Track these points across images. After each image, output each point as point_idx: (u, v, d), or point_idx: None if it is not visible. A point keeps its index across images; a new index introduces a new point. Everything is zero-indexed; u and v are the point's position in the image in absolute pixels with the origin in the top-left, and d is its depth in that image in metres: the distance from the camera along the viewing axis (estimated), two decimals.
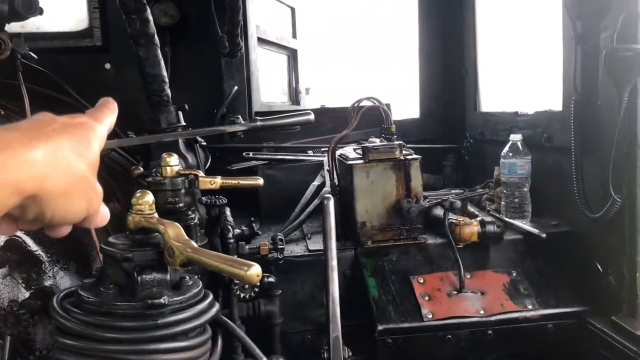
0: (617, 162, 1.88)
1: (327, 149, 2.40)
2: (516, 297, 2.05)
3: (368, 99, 2.45)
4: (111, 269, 1.12)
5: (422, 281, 2.09)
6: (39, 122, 0.66)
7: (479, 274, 2.12)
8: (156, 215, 1.14)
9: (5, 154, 0.58)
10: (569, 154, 2.10)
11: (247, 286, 1.80)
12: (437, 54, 3.42)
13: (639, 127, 1.84)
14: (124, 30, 2.07)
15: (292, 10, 4.54)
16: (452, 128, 3.38)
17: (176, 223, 1.08)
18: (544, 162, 2.39)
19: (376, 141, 2.41)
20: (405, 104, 3.92)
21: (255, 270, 0.91)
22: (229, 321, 1.44)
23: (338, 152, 2.46)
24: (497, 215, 2.36)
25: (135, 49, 2.07)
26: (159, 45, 2.11)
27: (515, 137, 2.35)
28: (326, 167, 2.60)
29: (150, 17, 2.07)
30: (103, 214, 0.75)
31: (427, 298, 2.04)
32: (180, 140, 2.06)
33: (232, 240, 1.85)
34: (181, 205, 1.62)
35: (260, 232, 2.28)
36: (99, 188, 0.71)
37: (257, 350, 1.43)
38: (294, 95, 4.60)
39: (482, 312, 2.00)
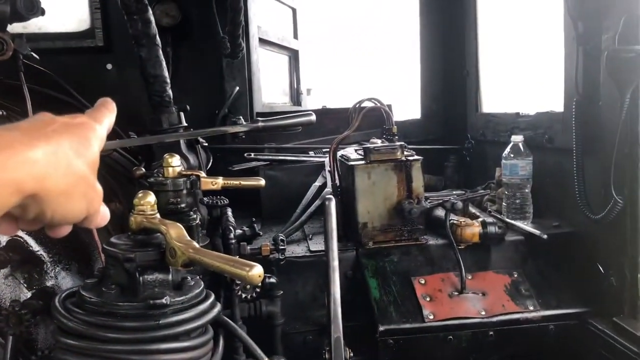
0: (619, 163, 1.88)
1: (328, 149, 2.40)
2: (517, 298, 2.05)
3: (369, 99, 2.44)
4: (113, 269, 1.12)
5: (423, 282, 2.09)
6: (39, 122, 0.67)
7: (480, 275, 2.12)
8: (158, 215, 1.14)
9: (6, 154, 0.58)
10: (570, 155, 2.09)
11: (248, 287, 1.80)
12: (438, 55, 3.42)
13: None
14: (125, 30, 2.07)
15: (294, 10, 4.54)
16: (454, 129, 3.38)
17: (178, 224, 1.09)
18: (545, 163, 2.39)
19: (377, 142, 2.41)
20: (407, 105, 3.91)
21: (257, 271, 0.91)
22: (230, 321, 1.45)
23: (339, 153, 2.46)
24: (499, 216, 2.36)
25: (136, 50, 2.07)
26: (160, 45, 2.11)
27: (517, 138, 2.35)
28: (327, 168, 2.61)
29: (152, 18, 2.07)
30: (103, 214, 0.75)
31: (428, 299, 2.04)
32: (182, 141, 2.06)
33: (233, 241, 1.85)
34: (183, 205, 1.63)
35: (261, 233, 2.28)
36: (99, 188, 0.71)
37: (259, 351, 1.43)
38: (295, 96, 4.60)
39: (483, 313, 2.00)
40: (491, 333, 1.99)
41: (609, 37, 1.89)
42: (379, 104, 2.44)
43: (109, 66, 3.13)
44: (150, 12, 2.07)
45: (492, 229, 2.15)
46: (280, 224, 2.53)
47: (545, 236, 2.14)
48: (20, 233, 1.57)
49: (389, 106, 2.57)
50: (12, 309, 1.40)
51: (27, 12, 1.77)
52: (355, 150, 2.48)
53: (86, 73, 2.99)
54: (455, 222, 2.18)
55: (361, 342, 1.86)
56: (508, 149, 2.36)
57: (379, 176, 2.20)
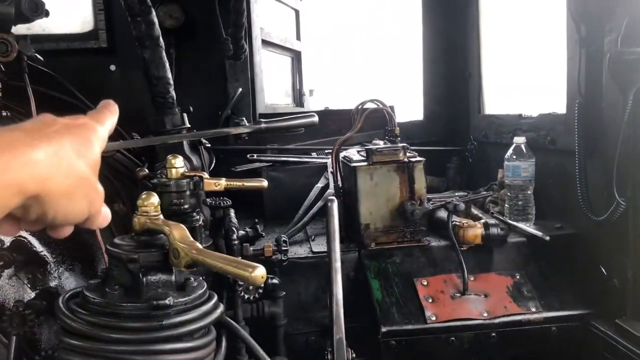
0: (621, 164, 1.88)
1: (330, 151, 2.40)
2: (520, 300, 2.05)
3: (372, 101, 2.45)
4: (117, 270, 1.12)
5: (425, 283, 2.09)
6: (40, 123, 0.67)
7: (483, 277, 2.12)
8: (161, 216, 1.15)
9: (8, 155, 0.58)
10: (572, 157, 2.10)
11: (251, 287, 1.81)
12: (441, 57, 3.42)
13: None
14: (129, 32, 2.08)
15: (296, 12, 4.54)
16: (456, 130, 3.38)
17: (181, 225, 1.09)
18: (547, 164, 2.39)
19: (380, 143, 2.42)
20: (409, 106, 3.91)
21: (259, 272, 0.92)
22: (233, 322, 1.45)
23: (342, 154, 2.47)
24: (501, 218, 2.36)
25: (140, 51, 2.08)
26: (163, 47, 2.11)
27: (519, 140, 2.35)
28: (330, 169, 2.61)
29: (155, 20, 2.08)
30: (105, 215, 0.75)
31: (430, 300, 2.04)
32: (185, 142, 2.06)
33: (236, 242, 1.85)
34: (186, 206, 1.63)
35: (264, 234, 2.29)
36: (100, 189, 0.71)
37: (261, 352, 1.43)
38: (298, 97, 4.61)
39: (485, 314, 2.00)
40: (493, 334, 1.99)
41: (612, 39, 1.89)
42: (381, 105, 2.44)
43: (113, 67, 3.14)
44: (154, 13, 2.07)
45: (494, 230, 2.15)
46: (282, 225, 2.54)
47: (547, 238, 2.14)
48: (24, 234, 1.58)
49: (392, 107, 2.57)
50: (16, 309, 1.41)
51: (31, 14, 1.77)
52: (358, 152, 2.49)
53: (90, 74, 3.00)
54: (457, 223, 2.18)
55: (363, 343, 1.86)
56: (510, 151, 2.36)
57: (382, 177, 2.20)
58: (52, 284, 1.62)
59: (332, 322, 1.57)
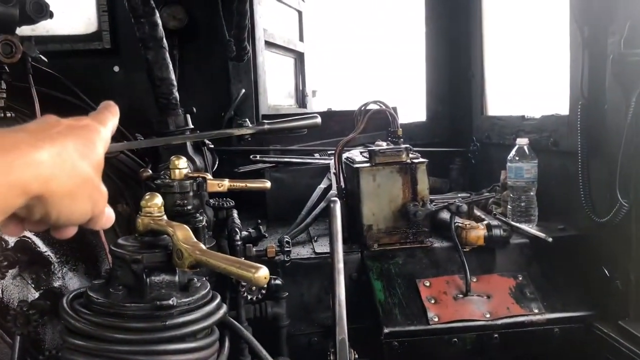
0: (624, 166, 1.88)
1: (333, 152, 2.40)
2: (522, 301, 2.05)
3: (375, 102, 2.45)
4: (120, 270, 1.13)
5: (428, 284, 2.10)
6: (44, 124, 0.67)
7: (485, 278, 2.12)
8: (165, 217, 1.15)
9: (12, 155, 0.59)
10: (575, 158, 2.10)
11: (254, 288, 1.81)
12: (444, 58, 3.43)
13: None
14: (132, 33, 2.09)
15: (299, 13, 4.55)
16: (459, 132, 3.38)
17: (185, 225, 1.09)
18: (550, 166, 2.39)
19: (383, 144, 2.42)
20: (412, 108, 3.91)
21: (263, 273, 0.92)
22: (236, 323, 1.45)
23: (344, 155, 2.47)
24: (504, 219, 2.36)
25: (143, 52, 2.09)
26: (167, 48, 2.12)
27: (522, 141, 2.35)
28: (333, 170, 2.61)
29: (159, 21, 2.09)
30: (108, 215, 0.76)
31: (433, 301, 2.04)
32: (188, 143, 2.07)
33: (239, 243, 1.85)
34: (189, 207, 1.63)
35: (267, 235, 2.28)
36: (103, 189, 0.72)
37: (264, 352, 1.43)
38: (301, 98, 4.61)
39: (488, 315, 2.00)
40: (496, 336, 1.99)
41: (615, 41, 1.89)
42: (384, 107, 2.45)
43: (116, 68, 3.15)
44: (157, 15, 2.08)
45: (497, 231, 2.15)
46: (285, 226, 2.54)
47: (550, 239, 2.14)
48: (29, 234, 1.59)
49: (394, 109, 2.58)
50: (20, 309, 1.41)
51: (36, 15, 1.79)
52: (361, 153, 2.49)
53: (93, 75, 3.02)
54: (460, 224, 2.18)
55: (366, 344, 1.86)
56: (513, 152, 2.36)
57: (384, 179, 2.20)
58: (56, 284, 1.62)
59: (335, 323, 1.57)
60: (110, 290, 1.11)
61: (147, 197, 1.15)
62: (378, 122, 2.70)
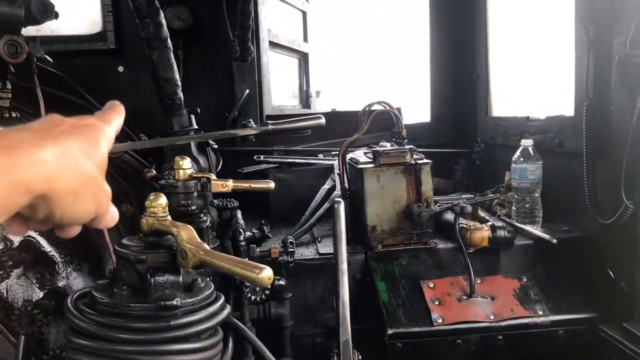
0: (630, 167, 1.87)
1: (337, 152, 2.40)
2: (527, 303, 2.04)
3: (379, 103, 2.45)
4: (125, 270, 1.13)
5: (432, 286, 2.09)
6: (48, 123, 0.67)
7: (489, 279, 2.12)
8: (169, 217, 1.15)
9: (16, 155, 0.59)
10: (580, 160, 2.09)
11: (257, 289, 1.81)
12: (448, 58, 3.42)
13: None
14: (137, 33, 2.09)
15: (304, 14, 4.55)
16: (463, 132, 3.37)
17: (189, 226, 1.10)
18: (555, 167, 2.38)
19: (387, 145, 2.42)
20: (417, 108, 3.91)
21: (266, 273, 0.92)
22: (240, 323, 1.45)
23: (349, 156, 2.47)
24: (508, 220, 2.35)
25: (148, 53, 2.09)
26: (171, 48, 2.13)
27: (527, 142, 2.34)
28: (337, 171, 2.61)
29: (164, 21, 2.09)
30: (112, 215, 0.76)
31: (437, 302, 2.04)
32: (192, 144, 2.07)
33: (243, 243, 1.86)
34: (193, 208, 1.64)
35: (270, 235, 2.30)
36: (107, 189, 0.72)
37: (268, 353, 1.44)
38: (305, 99, 4.62)
39: (492, 317, 2.00)
40: (500, 337, 1.98)
41: (620, 41, 1.89)
42: (388, 107, 2.45)
43: (121, 69, 3.16)
44: (162, 15, 2.08)
45: (501, 233, 2.15)
46: (289, 227, 2.54)
47: (554, 241, 2.14)
48: (33, 234, 1.59)
49: (399, 109, 2.58)
50: (25, 309, 1.41)
51: (41, 16, 1.79)
52: (365, 154, 2.49)
53: (98, 75, 3.03)
54: (464, 226, 2.18)
55: (370, 345, 1.86)
56: (518, 153, 2.35)
57: (388, 179, 2.20)
58: (60, 283, 1.63)
59: (339, 324, 1.57)
60: (114, 290, 1.11)
61: (151, 197, 1.15)
62: (382, 122, 2.70)
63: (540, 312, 2.01)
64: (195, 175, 1.65)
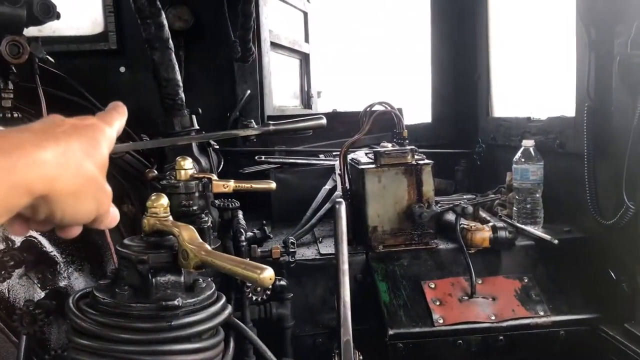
0: (631, 168, 1.87)
1: (338, 153, 2.40)
2: (528, 303, 2.04)
3: (380, 103, 2.45)
4: (126, 270, 1.13)
5: (433, 286, 2.09)
6: (49, 123, 0.67)
7: (491, 280, 2.12)
8: (170, 218, 1.16)
9: (16, 155, 0.59)
10: (581, 160, 2.09)
11: (259, 289, 1.81)
12: (449, 59, 3.42)
13: None
14: (138, 34, 2.09)
15: (305, 14, 4.56)
16: (464, 133, 3.37)
17: (190, 226, 1.10)
18: (556, 168, 2.38)
19: (388, 146, 2.42)
20: (418, 109, 3.91)
21: (268, 274, 0.92)
22: (241, 323, 1.45)
23: (350, 157, 2.47)
24: (509, 221, 2.35)
25: (149, 53, 2.10)
26: (173, 49, 2.13)
27: (528, 143, 2.34)
28: (338, 171, 2.61)
29: (165, 22, 2.09)
30: (113, 215, 0.76)
31: (438, 303, 2.04)
32: (193, 144, 2.07)
33: (244, 243, 1.86)
34: (195, 208, 1.64)
35: (272, 236, 2.30)
36: (108, 189, 0.72)
37: (269, 353, 1.44)
38: (306, 99, 4.62)
39: (493, 317, 2.00)
40: (501, 338, 1.98)
41: (622, 42, 1.89)
42: (389, 108, 2.45)
43: (122, 69, 3.17)
44: (164, 16, 2.09)
45: (502, 233, 2.15)
46: (290, 227, 2.54)
47: (556, 241, 2.14)
48: (35, 234, 1.60)
49: (400, 110, 2.58)
50: (26, 309, 1.42)
51: (43, 16, 1.79)
52: (366, 154, 2.49)
53: (100, 76, 3.03)
54: (465, 226, 2.18)
55: (371, 346, 1.86)
56: (519, 154, 2.35)
57: (390, 180, 2.20)
58: (62, 283, 1.63)
59: (340, 324, 1.57)
60: (116, 290, 1.12)
61: (153, 197, 1.15)
62: (383, 123, 2.70)
63: (542, 313, 2.01)
64: (196, 175, 1.65)
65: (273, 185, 1.76)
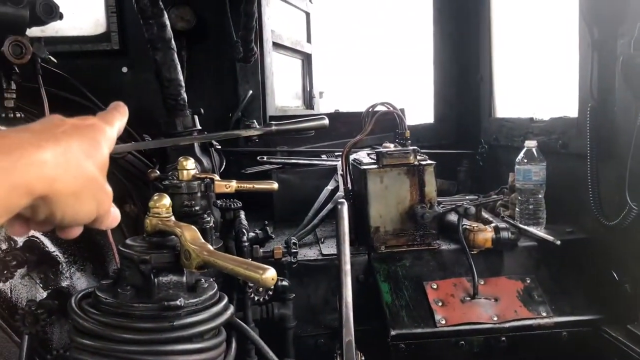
0: (634, 169, 1.86)
1: (341, 153, 2.40)
2: (530, 304, 2.04)
3: (382, 104, 2.45)
4: (128, 270, 1.13)
5: (435, 287, 2.09)
6: (49, 124, 0.67)
7: (493, 281, 2.11)
8: (173, 218, 1.16)
9: (16, 155, 0.59)
10: (584, 161, 2.08)
11: (261, 289, 1.81)
12: (452, 59, 3.42)
13: None
14: (141, 34, 2.10)
15: (307, 15, 4.56)
16: (467, 133, 3.37)
17: (192, 226, 1.10)
18: (559, 168, 2.38)
19: (390, 146, 2.42)
20: (420, 109, 3.91)
21: (270, 274, 0.92)
22: (243, 324, 1.45)
23: (352, 157, 2.47)
24: (512, 222, 2.35)
25: (152, 53, 2.10)
26: (175, 49, 2.13)
27: (530, 144, 2.34)
28: (340, 172, 2.61)
29: (167, 22, 2.09)
30: (114, 215, 0.76)
31: (440, 304, 2.03)
32: (196, 144, 2.07)
33: (246, 244, 1.86)
34: (197, 208, 1.64)
35: (274, 236, 2.29)
36: (108, 189, 0.72)
37: (271, 353, 1.43)
38: (308, 100, 4.62)
39: (495, 318, 1.99)
40: (503, 339, 1.98)
41: (625, 42, 1.88)
42: (392, 108, 2.45)
43: (125, 69, 3.17)
44: (166, 16, 2.09)
45: (504, 234, 2.14)
46: (292, 227, 2.54)
47: (558, 242, 2.13)
48: (37, 234, 1.60)
49: (402, 110, 2.58)
50: (29, 309, 1.42)
51: (45, 17, 1.80)
52: (368, 154, 2.49)
53: (102, 76, 3.04)
54: (467, 227, 2.18)
55: (373, 346, 1.86)
56: (521, 154, 2.35)
57: (392, 180, 2.20)
58: (64, 283, 1.63)
59: (342, 325, 1.57)
60: (118, 290, 1.12)
61: (155, 197, 1.15)
62: (386, 123, 2.70)
63: (544, 314, 2.01)
64: (198, 175, 1.65)
65: (275, 185, 1.75)
